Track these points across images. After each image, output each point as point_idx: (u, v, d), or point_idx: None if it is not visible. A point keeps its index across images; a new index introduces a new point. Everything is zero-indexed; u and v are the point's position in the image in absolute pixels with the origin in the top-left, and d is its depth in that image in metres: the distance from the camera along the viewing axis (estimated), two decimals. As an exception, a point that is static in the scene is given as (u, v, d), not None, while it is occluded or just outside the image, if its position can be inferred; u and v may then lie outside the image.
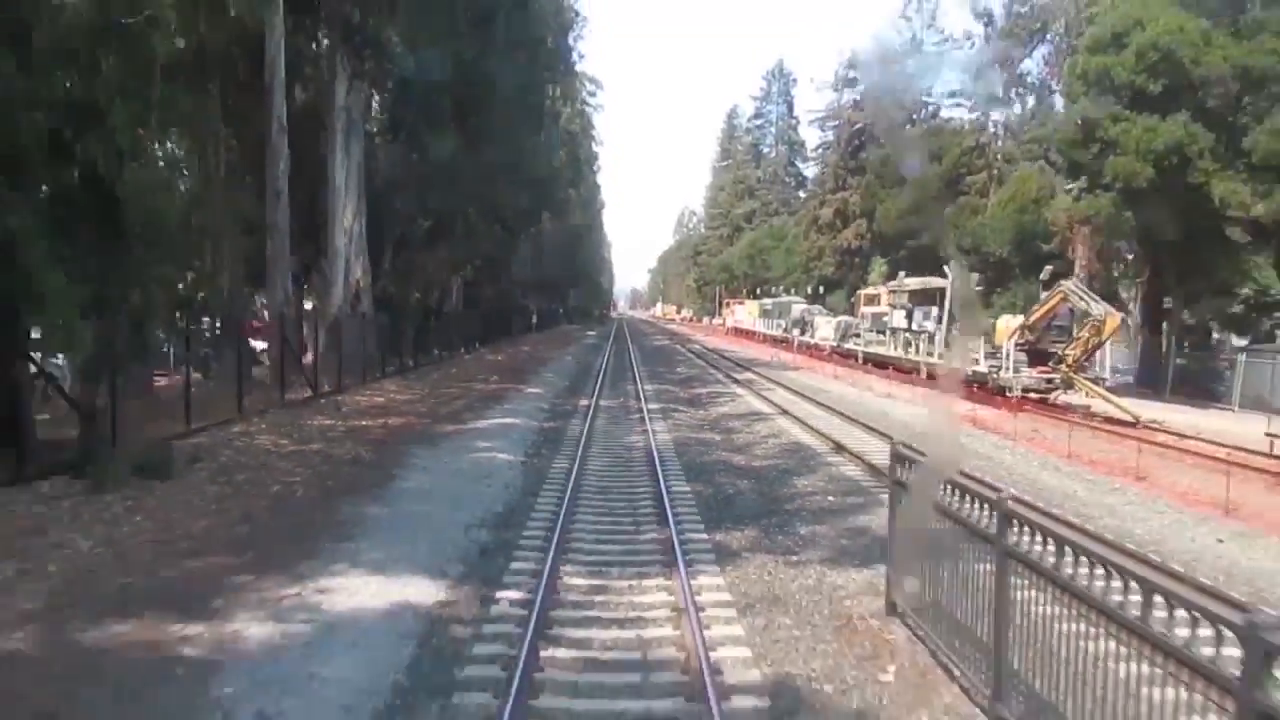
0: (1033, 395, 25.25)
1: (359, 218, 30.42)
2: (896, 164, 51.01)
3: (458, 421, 19.33)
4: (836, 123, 77.68)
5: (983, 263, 42.41)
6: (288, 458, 14.07)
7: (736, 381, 32.31)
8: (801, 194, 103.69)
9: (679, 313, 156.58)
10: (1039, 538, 5.26)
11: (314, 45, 30.09)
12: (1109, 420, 22.64)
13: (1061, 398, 25.71)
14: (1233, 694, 3.53)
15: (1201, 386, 29.79)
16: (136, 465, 11.58)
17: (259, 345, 26.77)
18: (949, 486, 6.61)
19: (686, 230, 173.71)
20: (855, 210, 66.52)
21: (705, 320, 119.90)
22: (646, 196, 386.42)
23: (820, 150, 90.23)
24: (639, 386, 29.01)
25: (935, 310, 32.32)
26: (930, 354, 31.37)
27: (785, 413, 22.95)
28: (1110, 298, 36.04)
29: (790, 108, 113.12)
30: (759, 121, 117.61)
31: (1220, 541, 11.49)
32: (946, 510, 6.60)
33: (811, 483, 14.26)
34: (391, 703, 6.05)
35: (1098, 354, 24.99)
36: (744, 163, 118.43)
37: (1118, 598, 4.39)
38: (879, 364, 36.13)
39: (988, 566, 5.92)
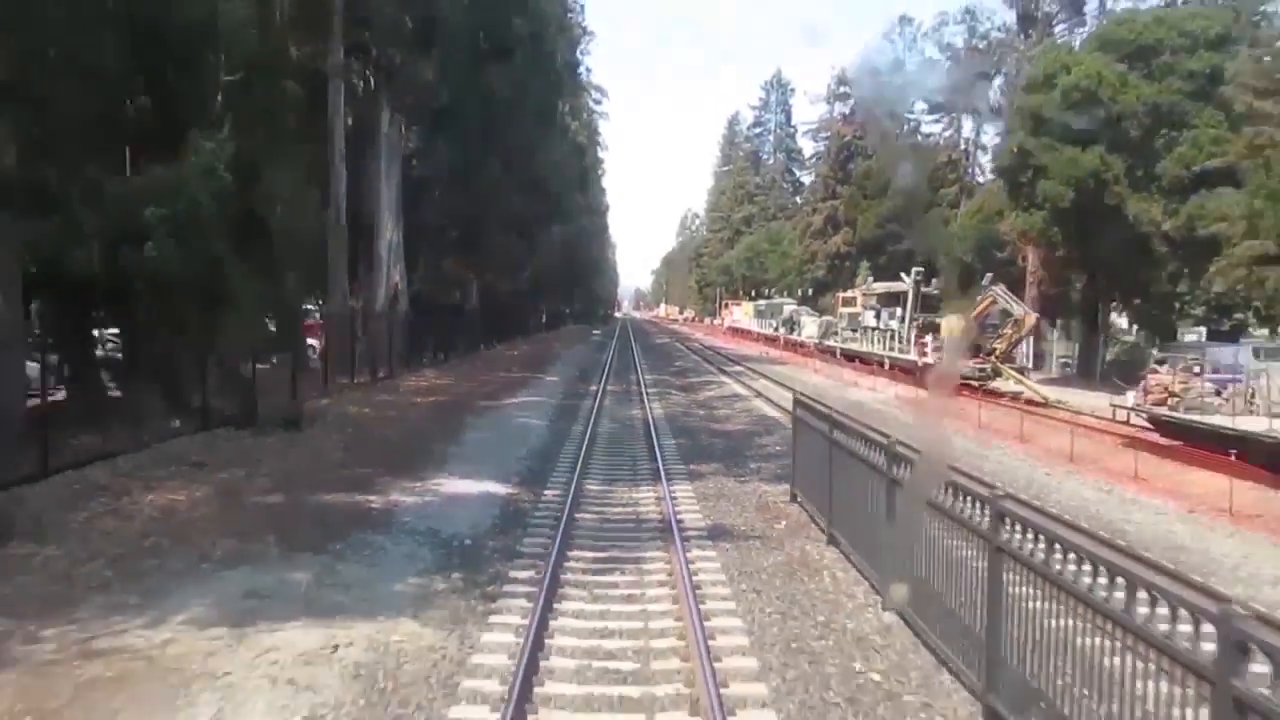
0: (972, 382, 29.89)
1: (397, 229, 35.12)
2: (888, 172, 55.64)
3: (493, 399, 24.11)
4: (828, 134, 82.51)
5: (951, 267, 46.96)
6: (376, 420, 18.86)
7: (725, 373, 37.09)
8: (798, 199, 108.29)
9: (681, 313, 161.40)
10: (847, 435, 9.99)
11: (361, 82, 34.79)
12: (1028, 401, 27.31)
13: (998, 384, 30.36)
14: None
15: (1128, 377, 34.37)
16: (280, 420, 16.34)
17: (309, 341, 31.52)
18: (830, 427, 11.36)
19: (689, 232, 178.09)
20: (843, 218, 71.21)
21: (707, 320, 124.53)
22: (651, 197, 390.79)
23: (814, 159, 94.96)
24: (640, 376, 33.80)
25: (899, 310, 37.03)
26: (892, 349, 36.10)
27: (760, 395, 27.69)
28: (1061, 300, 40.79)
29: (788, 117, 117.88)
30: (758, 130, 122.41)
31: (1047, 475, 16.21)
32: (835, 441, 11.31)
33: (767, 440, 18.97)
34: (492, 527, 10.81)
35: (1022, 346, 29.72)
36: (743, 169, 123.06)
37: (887, 463, 9.09)
38: (852, 357, 40.84)
39: (829, 464, 10.61)
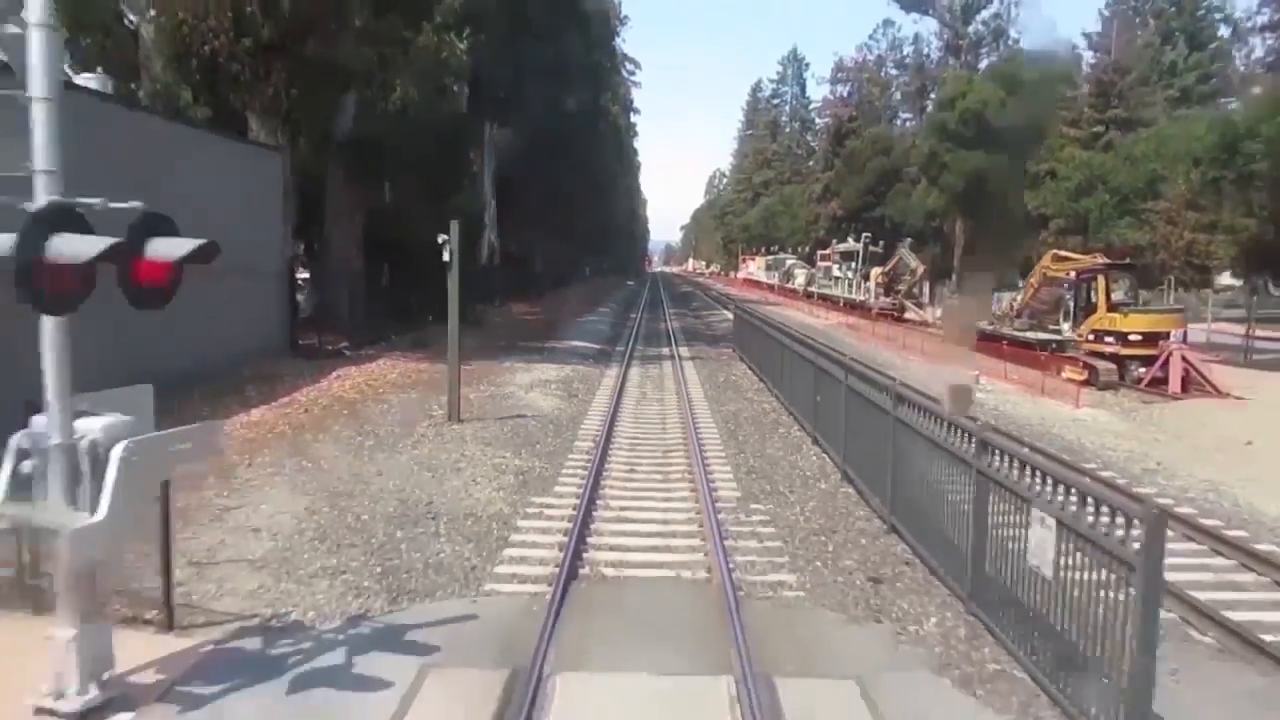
0: (890, 313, 44.03)
1: (492, 203, 49.73)
2: None
3: (574, 317, 38.95)
4: (829, 113, 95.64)
5: (911, 230, 60.65)
6: (514, 324, 33.75)
7: (725, 308, 51.55)
8: (811, 163, 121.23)
9: (708, 267, 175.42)
10: (747, 315, 24.56)
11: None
12: (921, 323, 41.49)
13: (909, 315, 44.50)
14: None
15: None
16: (471, 321, 31.21)
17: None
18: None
19: (717, 190, 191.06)
20: (833, 188, 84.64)
21: (730, 274, 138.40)
22: (683, 152, 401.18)
23: (820, 133, 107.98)
24: (665, 310, 48.47)
25: (853, 264, 51.18)
26: (844, 292, 50.39)
27: (743, 319, 42.22)
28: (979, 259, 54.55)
29: (803, 89, 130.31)
30: (776, 101, 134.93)
31: (883, 351, 30.67)
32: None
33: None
34: (596, 354, 25.67)
35: (919, 288, 43.84)
36: (762, 136, 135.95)
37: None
38: (824, 299, 55.04)
39: (742, 330, 25.16)
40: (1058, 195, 36.49)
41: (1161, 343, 21.24)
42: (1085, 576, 5.31)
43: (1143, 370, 21.40)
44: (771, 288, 73.79)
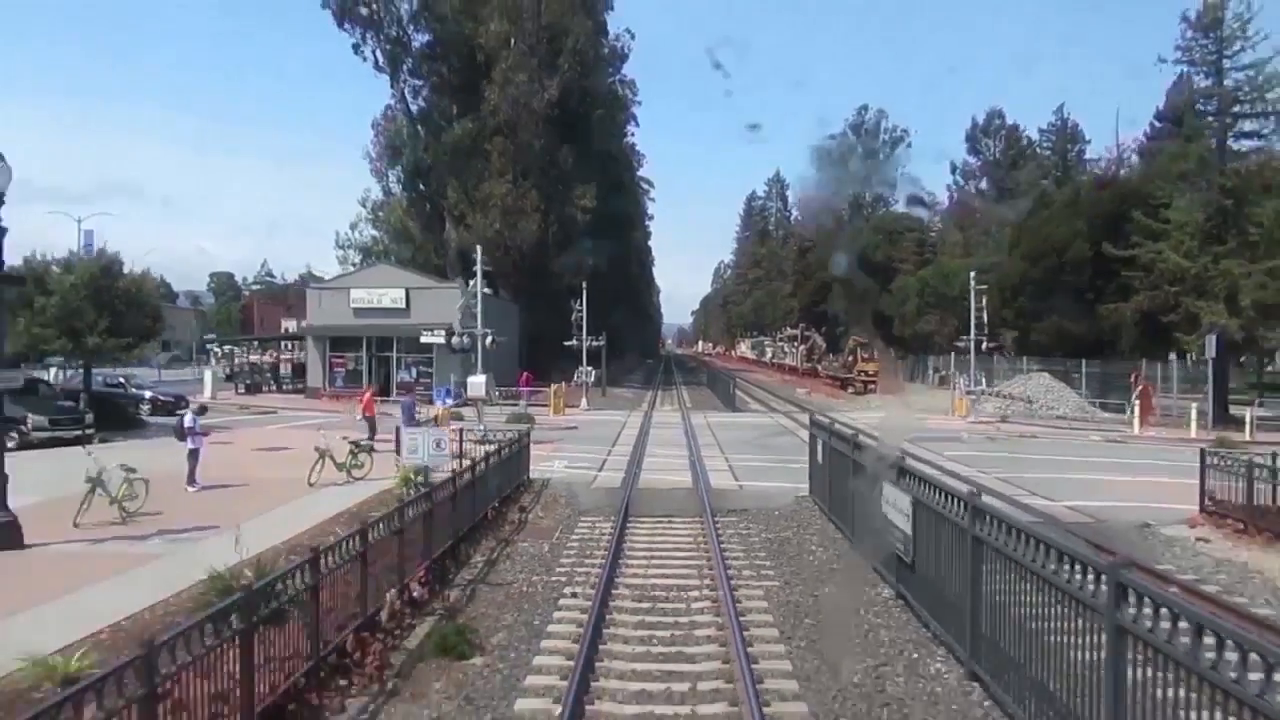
0: (809, 371, 72.83)
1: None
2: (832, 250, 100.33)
3: (621, 376, 68.47)
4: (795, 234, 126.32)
5: (844, 320, 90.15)
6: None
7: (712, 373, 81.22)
8: (785, 267, 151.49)
9: (714, 348, 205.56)
10: (711, 372, 53.91)
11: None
12: (828, 378, 70.37)
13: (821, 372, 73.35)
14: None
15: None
16: (575, 376, 60.93)
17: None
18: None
19: (722, 280, 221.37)
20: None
21: (730, 352, 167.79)
22: (693, 241, 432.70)
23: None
24: (674, 374, 78.16)
25: (795, 343, 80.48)
26: (791, 360, 79.40)
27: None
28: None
29: (786, 203, 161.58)
30: (765, 213, 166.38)
31: (794, 388, 60.03)
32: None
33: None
34: (641, 387, 55.17)
35: (825, 357, 72.84)
36: (755, 241, 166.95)
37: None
38: (778, 366, 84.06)
39: (705, 375, 54.43)
40: (894, 302, 65.48)
41: (879, 375, 50.37)
42: (727, 383, 35.14)
43: (873, 386, 50.38)
44: (754, 360, 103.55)
